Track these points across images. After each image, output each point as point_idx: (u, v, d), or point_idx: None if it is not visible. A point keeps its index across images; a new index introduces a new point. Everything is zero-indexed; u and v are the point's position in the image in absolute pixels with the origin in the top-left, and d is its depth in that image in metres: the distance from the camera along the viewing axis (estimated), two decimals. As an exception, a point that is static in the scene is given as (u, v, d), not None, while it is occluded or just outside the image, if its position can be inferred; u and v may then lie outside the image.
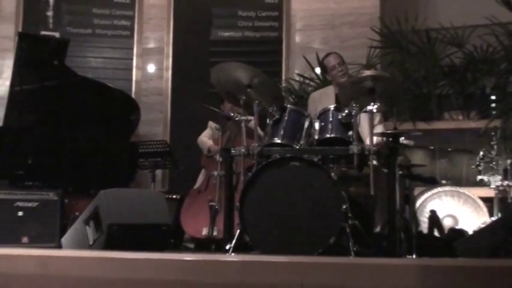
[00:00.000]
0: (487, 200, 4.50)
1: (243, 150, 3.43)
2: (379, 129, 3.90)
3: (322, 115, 3.51)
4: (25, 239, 3.67)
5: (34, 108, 4.56)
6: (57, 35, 5.88)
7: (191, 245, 4.52)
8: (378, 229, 3.64)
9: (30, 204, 3.74)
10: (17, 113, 4.49)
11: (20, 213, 3.71)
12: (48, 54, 4.61)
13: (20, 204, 3.73)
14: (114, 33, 6.07)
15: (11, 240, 3.59)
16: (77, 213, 3.88)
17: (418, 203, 4.41)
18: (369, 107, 3.32)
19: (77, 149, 4.52)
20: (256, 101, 3.46)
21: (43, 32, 5.87)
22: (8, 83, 4.85)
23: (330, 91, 4.24)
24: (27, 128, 4.39)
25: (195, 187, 4.84)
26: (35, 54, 4.55)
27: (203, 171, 4.88)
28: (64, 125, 4.55)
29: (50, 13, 5.98)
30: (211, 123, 4.91)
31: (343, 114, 3.41)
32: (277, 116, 3.51)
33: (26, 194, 3.80)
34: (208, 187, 4.60)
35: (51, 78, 4.63)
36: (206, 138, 4.92)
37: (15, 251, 2.94)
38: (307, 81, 5.60)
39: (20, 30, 5.78)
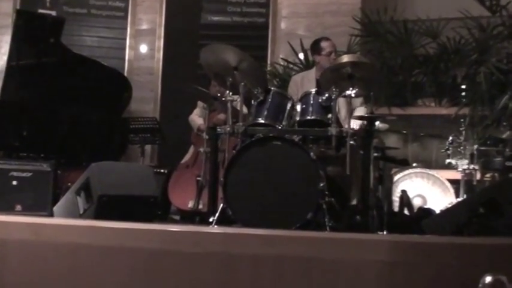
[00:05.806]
0: (454, 182, 4.55)
1: (228, 129, 3.41)
2: (361, 111, 3.88)
3: (304, 98, 3.51)
4: (19, 207, 3.62)
5: (30, 83, 4.47)
6: (53, 13, 5.74)
7: (177, 217, 4.50)
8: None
9: (24, 174, 3.68)
10: (13, 87, 4.41)
11: (14, 183, 3.65)
12: (44, 31, 4.52)
13: (15, 174, 3.66)
14: (109, 14, 5.96)
15: (5, 208, 3.53)
16: (69, 183, 3.85)
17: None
18: (348, 92, 3.32)
19: (70, 123, 4.47)
20: (242, 83, 3.43)
21: (40, 10, 5.75)
22: (5, 58, 4.76)
23: (311, 75, 4.21)
24: (23, 101, 4.31)
25: (183, 161, 4.80)
26: (31, 31, 4.46)
27: (192, 147, 4.84)
28: (59, 100, 4.48)
29: (47, -8, 5.87)
30: (200, 103, 4.86)
31: (324, 98, 3.41)
32: (261, 98, 3.49)
33: (21, 165, 3.73)
34: (196, 163, 4.56)
35: (47, 54, 4.55)
36: (197, 117, 4.86)
37: (9, 218, 2.90)
38: (291, 65, 5.57)
39: (17, 7, 5.66)
